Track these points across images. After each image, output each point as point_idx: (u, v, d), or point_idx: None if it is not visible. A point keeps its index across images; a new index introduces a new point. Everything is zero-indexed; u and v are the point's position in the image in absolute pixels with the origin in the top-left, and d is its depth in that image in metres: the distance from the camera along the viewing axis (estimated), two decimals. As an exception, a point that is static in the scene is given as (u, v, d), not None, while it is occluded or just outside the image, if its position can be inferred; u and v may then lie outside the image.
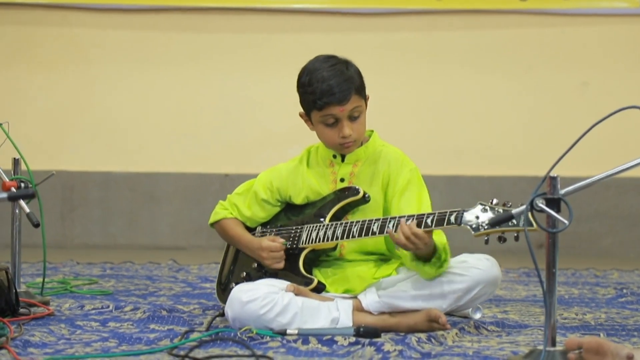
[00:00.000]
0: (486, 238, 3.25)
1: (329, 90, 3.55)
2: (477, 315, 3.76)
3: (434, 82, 6.45)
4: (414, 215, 3.41)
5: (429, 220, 3.37)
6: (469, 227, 3.27)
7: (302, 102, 3.67)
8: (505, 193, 6.23)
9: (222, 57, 6.53)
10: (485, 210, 3.27)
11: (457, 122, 6.47)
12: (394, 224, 3.42)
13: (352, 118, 3.60)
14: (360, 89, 3.61)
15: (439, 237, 3.53)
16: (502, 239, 3.22)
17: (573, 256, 6.02)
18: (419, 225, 3.38)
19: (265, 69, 6.49)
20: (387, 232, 3.45)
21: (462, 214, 3.30)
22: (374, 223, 3.49)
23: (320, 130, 3.64)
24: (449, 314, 3.68)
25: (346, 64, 3.64)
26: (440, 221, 3.35)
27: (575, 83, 6.34)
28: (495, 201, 3.30)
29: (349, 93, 3.56)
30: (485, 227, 3.23)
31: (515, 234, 3.19)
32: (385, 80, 6.34)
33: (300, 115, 3.70)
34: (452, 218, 3.33)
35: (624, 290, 4.64)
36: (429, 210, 3.58)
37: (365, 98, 3.65)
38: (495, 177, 6.40)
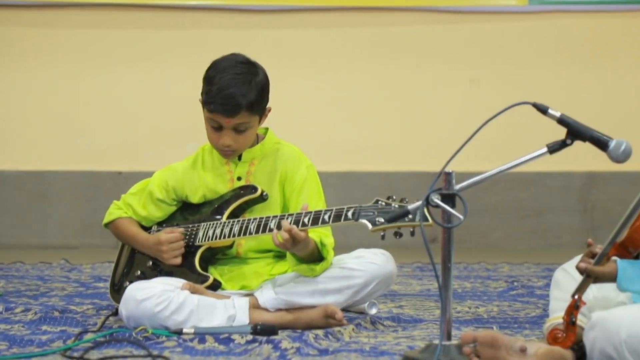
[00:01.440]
0: (382, 234, 3.25)
1: (221, 99, 3.50)
2: (373, 311, 3.77)
3: (326, 79, 6.45)
4: (311, 212, 3.39)
5: (326, 217, 3.36)
6: (365, 222, 3.27)
7: (202, 93, 3.62)
8: (397, 189, 6.26)
9: (114, 53, 6.41)
10: (381, 206, 3.27)
11: (349, 118, 6.47)
12: (291, 221, 3.40)
13: (238, 131, 3.56)
14: (254, 106, 3.54)
15: (326, 237, 3.52)
16: (398, 235, 3.22)
17: (464, 250, 6.07)
18: (315, 221, 3.36)
19: (158, 65, 6.40)
20: (268, 232, 3.42)
21: (359, 210, 3.30)
22: (271, 220, 3.47)
23: (206, 126, 3.61)
24: (345, 309, 3.68)
25: (254, 75, 3.57)
26: (337, 217, 3.34)
27: (465, 79, 6.40)
28: (392, 197, 3.31)
29: (239, 110, 3.50)
30: (382, 222, 3.23)
31: (411, 229, 3.20)
32: (278, 77, 6.28)
33: (201, 101, 3.65)
34: (349, 214, 3.32)
35: (515, 283, 4.70)
36: (325, 207, 3.57)
37: (260, 113, 3.60)
38: (388, 173, 6.43)
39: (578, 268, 2.83)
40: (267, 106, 3.64)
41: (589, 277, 2.81)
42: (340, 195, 6.31)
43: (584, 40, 6.35)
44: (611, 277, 2.80)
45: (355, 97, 6.47)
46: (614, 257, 2.84)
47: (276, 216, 3.47)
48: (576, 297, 2.83)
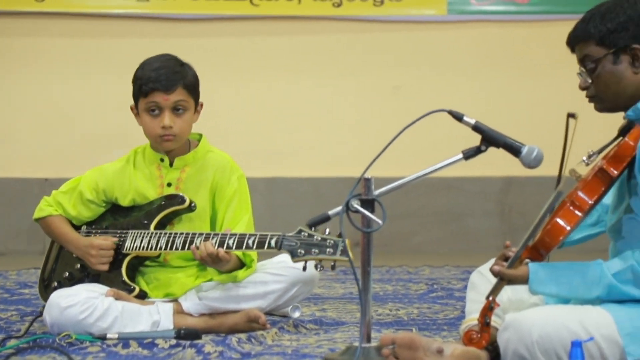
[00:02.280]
0: (304, 264, 3.23)
1: (156, 77, 3.50)
2: (296, 314, 3.77)
3: (254, 86, 6.44)
4: (236, 235, 3.37)
5: (250, 242, 3.34)
6: (287, 252, 3.26)
7: (133, 93, 3.59)
8: (323, 194, 6.29)
9: (41, 61, 6.33)
10: (304, 237, 3.25)
11: (276, 125, 6.48)
12: (216, 241, 3.38)
13: (176, 111, 3.54)
14: (190, 87, 3.55)
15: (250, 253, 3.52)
16: (318, 267, 3.20)
17: (387, 254, 6.10)
18: (239, 245, 3.35)
19: (85, 73, 6.34)
20: (190, 249, 3.41)
21: (282, 239, 3.28)
22: (197, 237, 3.43)
23: (144, 120, 3.56)
24: (268, 313, 3.67)
25: (181, 62, 3.60)
26: (260, 244, 3.33)
27: (388, 87, 6.44)
28: (315, 228, 3.26)
29: (176, 83, 3.50)
30: (303, 254, 3.22)
31: (333, 263, 3.18)
32: (207, 84, 6.27)
33: (131, 108, 3.61)
34: (272, 242, 3.30)
35: (435, 286, 4.74)
36: (251, 221, 3.58)
37: (195, 99, 3.59)
38: (314, 179, 6.44)
39: (492, 271, 2.85)
40: (201, 102, 3.62)
41: (503, 279, 2.84)
42: (267, 201, 6.32)
43: (501, 48, 6.44)
44: (523, 280, 2.82)
45: (281, 104, 6.47)
46: (527, 260, 2.87)
47: (202, 234, 3.43)
48: (490, 299, 2.86)
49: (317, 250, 3.19)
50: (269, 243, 3.30)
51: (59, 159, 6.31)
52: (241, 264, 3.50)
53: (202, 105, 3.63)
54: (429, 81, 6.43)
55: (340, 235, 3.08)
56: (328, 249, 3.17)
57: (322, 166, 6.47)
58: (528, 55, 6.42)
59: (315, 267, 3.19)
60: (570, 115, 2.95)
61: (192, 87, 3.57)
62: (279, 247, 3.27)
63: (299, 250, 3.21)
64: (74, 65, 6.35)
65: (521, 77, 6.44)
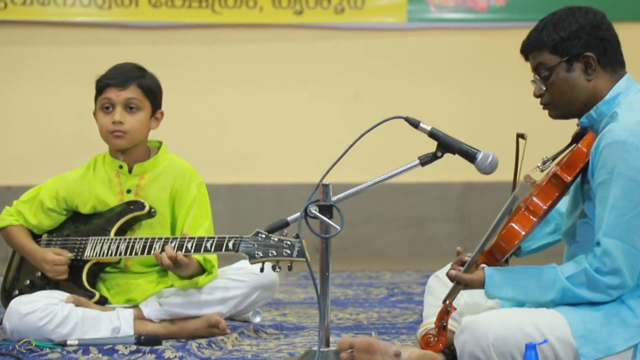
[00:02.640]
0: (261, 266, 3.24)
1: (112, 73, 3.55)
2: (257, 319, 3.77)
3: (216, 93, 6.44)
4: (194, 238, 3.37)
5: (208, 245, 3.34)
6: (245, 255, 3.26)
7: (95, 96, 3.61)
8: (286, 200, 6.29)
9: (2, 69, 6.29)
10: (261, 239, 3.26)
11: (238, 131, 6.47)
12: (175, 245, 3.38)
13: (129, 109, 3.54)
14: (146, 88, 3.56)
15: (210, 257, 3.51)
16: (276, 268, 3.21)
17: (349, 258, 6.11)
18: (198, 248, 3.35)
19: (47, 80, 6.30)
20: (153, 254, 3.40)
21: (239, 241, 3.29)
22: (157, 242, 3.43)
23: (98, 117, 3.58)
24: (229, 318, 3.67)
25: (143, 69, 3.63)
26: (218, 246, 3.33)
27: (349, 94, 6.46)
28: (271, 230, 3.27)
29: (129, 81, 3.53)
30: (260, 256, 3.23)
31: (289, 264, 3.20)
32: (169, 92, 6.26)
33: (94, 114, 3.62)
34: (230, 244, 3.31)
35: (395, 290, 4.76)
36: (211, 228, 3.57)
37: (153, 104, 3.59)
38: (277, 185, 6.44)
39: (448, 276, 2.87)
40: (160, 110, 3.62)
41: (459, 284, 2.86)
42: (230, 207, 6.31)
43: (460, 56, 6.48)
44: (479, 284, 2.84)
45: (243, 111, 6.47)
46: (483, 265, 2.89)
47: (161, 238, 3.43)
48: (447, 302, 2.88)
49: (274, 252, 3.20)
50: (227, 245, 3.30)
51: (21, 167, 6.27)
52: (202, 270, 3.50)
53: (162, 114, 3.63)
54: (390, 88, 6.46)
55: (297, 237, 3.10)
56: (285, 250, 3.18)
57: (284, 172, 6.47)
58: (486, 62, 6.46)
59: (273, 268, 3.20)
60: (520, 136, 2.98)
61: (149, 90, 3.58)
62: (237, 249, 3.28)
63: (256, 252, 3.23)
64: (35, 73, 6.32)
65: (480, 84, 6.48)
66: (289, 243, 3.19)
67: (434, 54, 6.47)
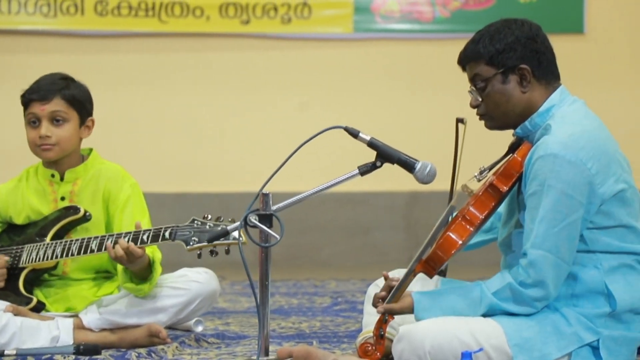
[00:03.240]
0: (199, 252, 3.25)
1: (35, 88, 3.54)
2: (199, 328, 3.77)
3: (162, 102, 6.42)
4: (130, 233, 3.36)
5: (144, 237, 3.33)
6: (181, 242, 3.27)
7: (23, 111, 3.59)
8: (233, 209, 6.24)
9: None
10: (197, 226, 3.27)
11: (185, 140, 6.46)
12: (111, 242, 3.36)
13: (55, 121, 3.52)
14: (70, 98, 3.54)
15: (155, 253, 3.50)
16: (214, 253, 3.22)
17: (296, 267, 6.13)
18: (135, 241, 3.34)
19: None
20: (105, 249, 3.38)
21: (176, 230, 3.29)
22: (93, 241, 3.42)
23: (27, 132, 3.57)
24: (171, 327, 3.66)
25: (68, 78, 3.59)
26: (155, 237, 3.32)
27: (295, 102, 6.48)
28: (208, 216, 3.31)
29: (52, 94, 3.51)
30: (197, 242, 3.24)
31: (226, 248, 3.20)
32: (115, 100, 6.25)
33: (25, 126, 3.60)
34: (167, 234, 3.31)
35: (339, 299, 4.77)
36: (149, 225, 3.55)
37: (80, 113, 3.57)
38: (223, 194, 6.43)
39: (377, 311, 2.90)
40: (91, 118, 3.61)
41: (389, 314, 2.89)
42: (176, 216, 6.25)
43: (405, 66, 6.52)
44: (408, 310, 2.88)
45: (190, 120, 6.46)
46: (409, 290, 2.92)
47: (97, 237, 3.43)
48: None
49: (210, 237, 3.19)
50: (163, 235, 3.30)
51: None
52: (149, 272, 3.47)
53: (93, 121, 3.62)
54: (336, 97, 6.49)
55: (232, 220, 3.10)
56: (226, 235, 3.17)
57: (230, 181, 6.47)
58: (431, 72, 6.51)
59: (211, 253, 3.21)
60: (459, 120, 3.01)
61: (74, 100, 3.56)
62: (173, 238, 3.28)
63: (192, 239, 3.23)
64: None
65: (425, 94, 6.53)
66: (225, 227, 3.19)
67: (379, 64, 6.50)
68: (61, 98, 3.53)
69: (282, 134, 6.44)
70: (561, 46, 6.55)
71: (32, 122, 3.54)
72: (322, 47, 6.48)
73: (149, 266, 3.44)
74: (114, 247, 3.32)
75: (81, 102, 3.58)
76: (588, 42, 6.52)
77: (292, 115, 6.47)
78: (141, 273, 3.44)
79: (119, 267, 3.45)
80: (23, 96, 3.56)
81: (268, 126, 6.48)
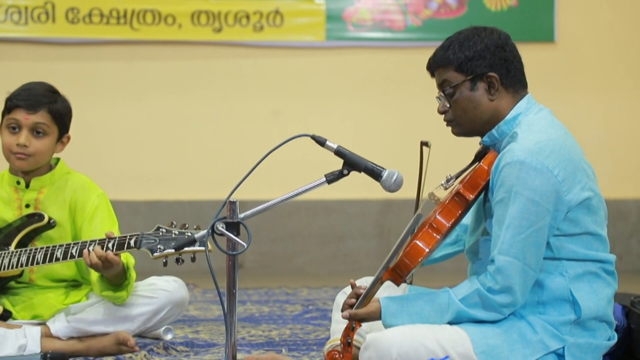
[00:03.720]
0: (164, 260, 3.23)
1: (23, 96, 3.50)
2: (169, 336, 3.75)
3: (134, 109, 6.39)
4: (95, 241, 3.35)
5: (110, 245, 3.31)
6: (147, 250, 3.25)
7: (2, 111, 3.57)
8: (206, 216, 6.24)
9: None
10: (163, 234, 3.26)
11: (157, 148, 6.44)
12: (76, 250, 3.35)
13: (36, 133, 3.50)
14: (55, 114, 3.53)
15: (128, 258, 3.49)
16: (179, 261, 3.21)
17: (269, 275, 6.11)
18: (100, 248, 3.32)
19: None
20: (70, 257, 3.36)
21: (141, 238, 3.27)
22: (58, 249, 3.40)
23: (3, 135, 3.55)
24: (140, 335, 3.64)
25: (56, 92, 3.58)
26: (120, 245, 3.31)
27: (268, 111, 6.47)
28: (174, 224, 3.30)
29: (40, 105, 3.50)
30: (162, 250, 3.22)
31: (192, 256, 3.19)
32: (86, 108, 6.23)
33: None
34: (132, 242, 3.29)
35: (310, 307, 4.76)
36: (119, 234, 3.53)
37: (60, 129, 3.56)
38: (196, 202, 6.41)
39: (343, 316, 2.89)
40: (67, 134, 3.59)
41: (356, 320, 2.88)
42: (149, 223, 6.24)
43: (376, 74, 6.52)
44: (376, 315, 2.87)
45: (162, 128, 6.44)
46: (377, 296, 2.91)
47: (62, 245, 3.41)
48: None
49: (176, 245, 3.18)
50: (129, 243, 3.29)
51: None
52: (124, 277, 3.45)
53: (69, 138, 3.60)
54: (308, 105, 6.48)
55: (198, 228, 3.09)
56: (186, 242, 3.16)
57: (203, 189, 6.45)
58: (403, 80, 6.52)
59: (177, 261, 3.19)
60: (424, 144, 3.02)
61: (58, 115, 3.54)
62: (139, 246, 3.27)
63: (158, 247, 3.22)
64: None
65: (396, 101, 6.54)
66: (190, 234, 3.17)
67: (351, 72, 6.51)
68: (47, 111, 3.51)
69: (255, 142, 6.43)
70: (532, 55, 6.63)
71: (12, 127, 3.51)
72: (294, 55, 6.47)
73: (124, 272, 3.43)
74: (89, 255, 3.30)
75: (63, 118, 3.57)
76: (559, 51, 6.55)
77: (264, 123, 6.46)
78: (115, 280, 3.43)
79: (94, 275, 3.43)
80: (9, 100, 3.52)
81: (241, 134, 6.47)
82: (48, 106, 3.50)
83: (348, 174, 3.05)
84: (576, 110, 6.53)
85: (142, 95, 6.38)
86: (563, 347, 2.84)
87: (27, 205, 3.58)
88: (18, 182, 3.59)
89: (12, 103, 3.50)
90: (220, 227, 2.93)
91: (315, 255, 6.51)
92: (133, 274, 3.49)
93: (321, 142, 3.03)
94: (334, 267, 6.49)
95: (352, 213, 6.54)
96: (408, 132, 6.51)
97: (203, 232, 3.02)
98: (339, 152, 3.03)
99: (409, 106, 6.51)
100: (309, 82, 6.49)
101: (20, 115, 3.49)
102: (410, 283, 3.20)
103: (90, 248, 3.31)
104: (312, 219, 6.51)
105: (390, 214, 6.55)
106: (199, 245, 3.15)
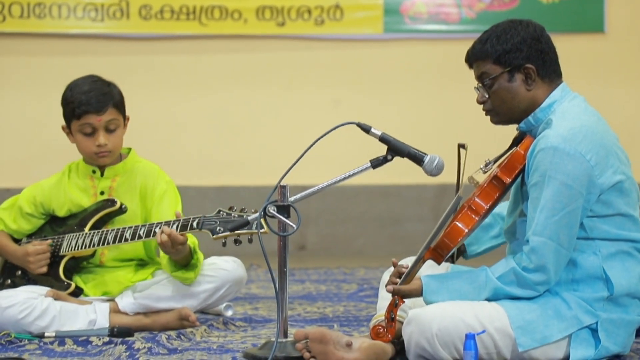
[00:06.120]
0: (224, 241, 3.32)
1: (87, 100, 3.56)
2: (229, 312, 3.83)
3: (204, 100, 6.49)
4: (161, 223, 3.44)
5: (174, 227, 3.40)
6: (208, 231, 3.34)
7: (64, 115, 3.65)
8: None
9: (6, 78, 6.36)
10: (223, 216, 3.34)
11: (225, 136, 6.52)
12: (144, 231, 3.45)
13: (109, 130, 3.60)
14: (118, 105, 3.62)
15: (192, 239, 3.58)
16: (237, 242, 3.29)
17: (330, 256, 6.17)
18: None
19: (41, 88, 6.36)
20: (138, 238, 3.46)
21: (203, 220, 3.36)
22: (127, 230, 3.51)
23: (78, 140, 3.63)
24: (202, 311, 3.73)
25: (107, 83, 3.66)
26: (184, 227, 3.40)
27: (329, 101, 6.52)
28: (234, 208, 3.38)
29: (106, 104, 3.57)
30: (222, 231, 3.31)
31: (249, 237, 3.27)
32: (159, 99, 6.35)
33: (63, 128, 3.68)
34: (195, 224, 3.38)
35: (365, 286, 4.81)
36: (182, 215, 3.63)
37: (124, 115, 3.66)
38: (261, 187, 6.47)
39: (387, 290, 2.94)
40: (127, 116, 3.69)
41: (399, 296, 2.92)
42: (217, 207, 6.35)
43: (433, 65, 6.52)
44: (418, 293, 2.92)
45: (230, 117, 6.53)
46: (419, 274, 2.96)
47: (131, 227, 3.51)
48: (395, 296, 2.94)
49: (235, 227, 3.26)
50: (192, 225, 3.38)
51: (18, 169, 6.33)
52: (191, 259, 3.54)
53: (128, 118, 3.70)
54: (366, 95, 6.52)
55: (255, 211, 3.17)
56: (247, 225, 3.23)
57: (267, 175, 6.52)
58: (457, 70, 6.49)
59: (235, 242, 3.28)
60: (461, 146, 3.06)
61: (121, 105, 3.64)
62: (201, 227, 3.36)
63: (218, 228, 3.30)
64: (29, 81, 6.39)
65: (451, 92, 6.53)
66: (246, 217, 3.25)
67: (408, 63, 6.52)
68: (112, 106, 3.60)
69: (316, 131, 6.45)
70: (582, 45, 6.56)
71: (87, 132, 3.60)
72: (353, 47, 6.51)
73: (190, 254, 3.52)
74: (160, 234, 3.39)
75: (123, 105, 3.67)
76: (608, 41, 6.47)
77: (325, 112, 6.51)
78: (183, 260, 3.52)
79: (164, 258, 3.54)
80: (77, 108, 3.56)
81: (302, 123, 6.53)
82: (112, 101, 3.59)
83: (392, 159, 3.10)
84: (626, 99, 6.45)
85: (210, 87, 6.48)
86: (596, 323, 2.86)
87: (102, 193, 3.69)
88: (94, 171, 3.70)
89: (81, 110, 3.56)
90: (272, 209, 3.01)
91: (374, 238, 6.56)
92: (200, 256, 3.58)
93: (366, 129, 3.10)
94: (392, 248, 6.52)
95: (409, 197, 6.56)
96: (462, 121, 6.51)
97: (256, 215, 3.10)
98: (383, 139, 3.08)
99: (463, 96, 6.50)
100: (367, 73, 6.52)
101: (92, 119, 3.57)
102: (453, 262, 3.24)
103: (157, 229, 3.41)
104: (371, 203, 6.55)
105: (445, 198, 6.55)
106: (253, 228, 3.23)
